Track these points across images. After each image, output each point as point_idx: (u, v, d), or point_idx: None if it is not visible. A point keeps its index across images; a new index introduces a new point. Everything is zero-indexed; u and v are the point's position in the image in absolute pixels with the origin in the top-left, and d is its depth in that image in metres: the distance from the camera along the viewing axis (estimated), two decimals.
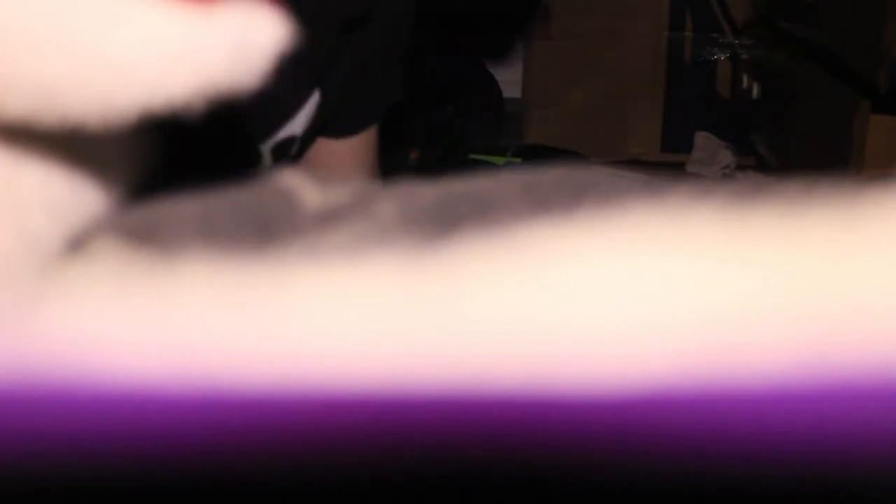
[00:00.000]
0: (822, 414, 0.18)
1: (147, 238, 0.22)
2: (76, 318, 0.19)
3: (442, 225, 0.22)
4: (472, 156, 1.46)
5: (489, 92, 1.65)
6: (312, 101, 0.73)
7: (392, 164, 1.09)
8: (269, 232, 0.23)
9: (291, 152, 0.75)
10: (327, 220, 0.23)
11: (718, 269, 0.19)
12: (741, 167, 1.40)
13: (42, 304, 0.20)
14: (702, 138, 1.49)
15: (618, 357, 0.18)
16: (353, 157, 0.85)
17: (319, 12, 0.66)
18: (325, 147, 0.82)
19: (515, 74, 1.74)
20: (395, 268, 0.20)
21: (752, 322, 0.18)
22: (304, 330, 0.19)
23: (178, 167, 0.30)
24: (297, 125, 0.73)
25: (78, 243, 0.24)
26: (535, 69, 1.69)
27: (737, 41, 1.53)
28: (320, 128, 0.77)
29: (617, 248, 0.20)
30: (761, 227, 0.20)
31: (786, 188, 0.21)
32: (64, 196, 0.25)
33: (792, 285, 0.19)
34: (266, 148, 0.71)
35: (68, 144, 0.24)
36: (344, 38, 0.72)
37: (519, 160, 1.45)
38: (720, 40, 1.56)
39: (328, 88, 0.74)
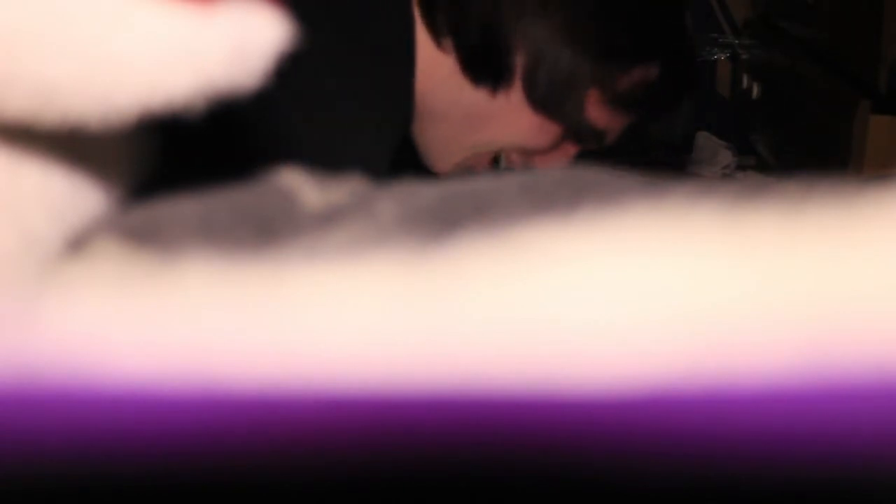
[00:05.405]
0: (822, 414, 0.18)
1: (147, 238, 0.22)
2: (76, 318, 0.19)
3: (442, 225, 0.22)
4: None
5: None
6: None
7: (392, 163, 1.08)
8: (269, 232, 0.23)
9: None
10: (327, 220, 0.23)
11: (718, 268, 0.19)
12: (741, 167, 1.40)
13: (42, 304, 0.20)
14: (702, 138, 1.48)
15: (618, 357, 0.18)
16: None
17: None
18: None
19: None
20: (395, 268, 0.20)
21: (752, 322, 0.18)
22: (304, 330, 0.19)
23: (178, 167, 0.30)
24: None
25: (78, 243, 0.24)
26: None
27: (737, 41, 1.53)
28: None
29: (617, 248, 0.20)
30: (761, 227, 0.20)
31: (786, 188, 0.21)
32: (64, 196, 0.25)
33: (791, 285, 0.19)
34: None
35: (68, 144, 0.24)
36: None
37: None
38: (720, 40, 1.56)
39: None
